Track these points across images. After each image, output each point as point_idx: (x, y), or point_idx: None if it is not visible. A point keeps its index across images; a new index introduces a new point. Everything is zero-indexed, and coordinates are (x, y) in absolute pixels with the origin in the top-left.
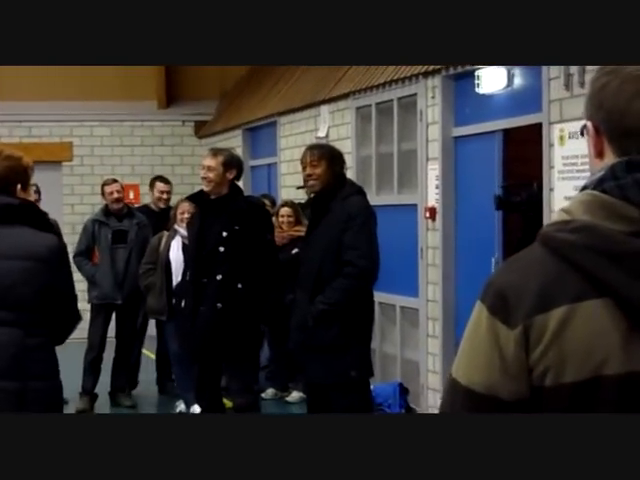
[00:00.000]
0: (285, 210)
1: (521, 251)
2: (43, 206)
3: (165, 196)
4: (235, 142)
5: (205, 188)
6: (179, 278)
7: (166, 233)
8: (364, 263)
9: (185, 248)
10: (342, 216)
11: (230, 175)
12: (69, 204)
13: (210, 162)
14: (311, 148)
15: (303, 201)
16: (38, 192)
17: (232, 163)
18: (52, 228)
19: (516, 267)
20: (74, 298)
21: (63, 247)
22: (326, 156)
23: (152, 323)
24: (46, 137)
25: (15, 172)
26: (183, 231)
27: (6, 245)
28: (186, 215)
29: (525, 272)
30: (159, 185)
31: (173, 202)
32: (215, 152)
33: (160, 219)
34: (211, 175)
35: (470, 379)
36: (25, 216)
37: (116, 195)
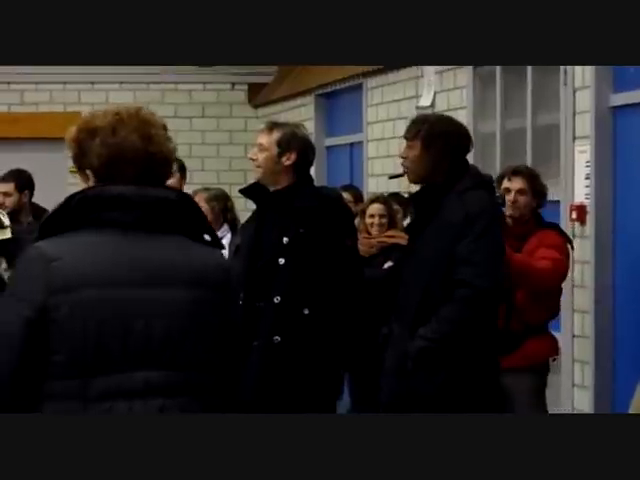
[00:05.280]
0: (375, 208)
1: None
2: (39, 199)
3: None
4: (305, 113)
5: (255, 175)
6: None
7: None
8: (482, 283)
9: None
10: (457, 218)
11: (287, 160)
12: None
13: (262, 139)
14: (414, 121)
15: (403, 194)
16: (27, 183)
17: (292, 144)
18: (216, 237)
19: None
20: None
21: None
22: (422, 134)
23: None
24: (45, 105)
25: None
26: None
27: (164, 266)
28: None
29: None
30: None
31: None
32: (271, 126)
33: None
34: (260, 158)
35: None
36: (183, 219)
37: None
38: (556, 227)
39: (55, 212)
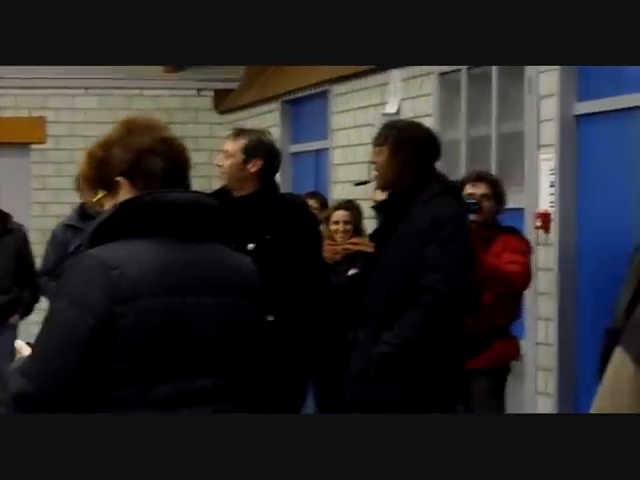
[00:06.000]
0: (339, 214)
1: None
2: (3, 205)
3: None
4: (270, 120)
5: (220, 182)
6: None
7: None
8: (446, 289)
9: None
10: (424, 223)
11: (253, 167)
12: (39, 203)
13: (228, 145)
14: (383, 126)
15: (370, 202)
16: None
17: (257, 150)
18: (241, 243)
19: None
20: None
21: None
22: (391, 139)
23: None
24: (9, 110)
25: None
26: None
27: (213, 273)
28: None
29: None
30: None
31: None
32: (237, 133)
33: None
34: (226, 164)
35: None
36: (221, 225)
37: None
38: (516, 231)
39: (108, 219)
